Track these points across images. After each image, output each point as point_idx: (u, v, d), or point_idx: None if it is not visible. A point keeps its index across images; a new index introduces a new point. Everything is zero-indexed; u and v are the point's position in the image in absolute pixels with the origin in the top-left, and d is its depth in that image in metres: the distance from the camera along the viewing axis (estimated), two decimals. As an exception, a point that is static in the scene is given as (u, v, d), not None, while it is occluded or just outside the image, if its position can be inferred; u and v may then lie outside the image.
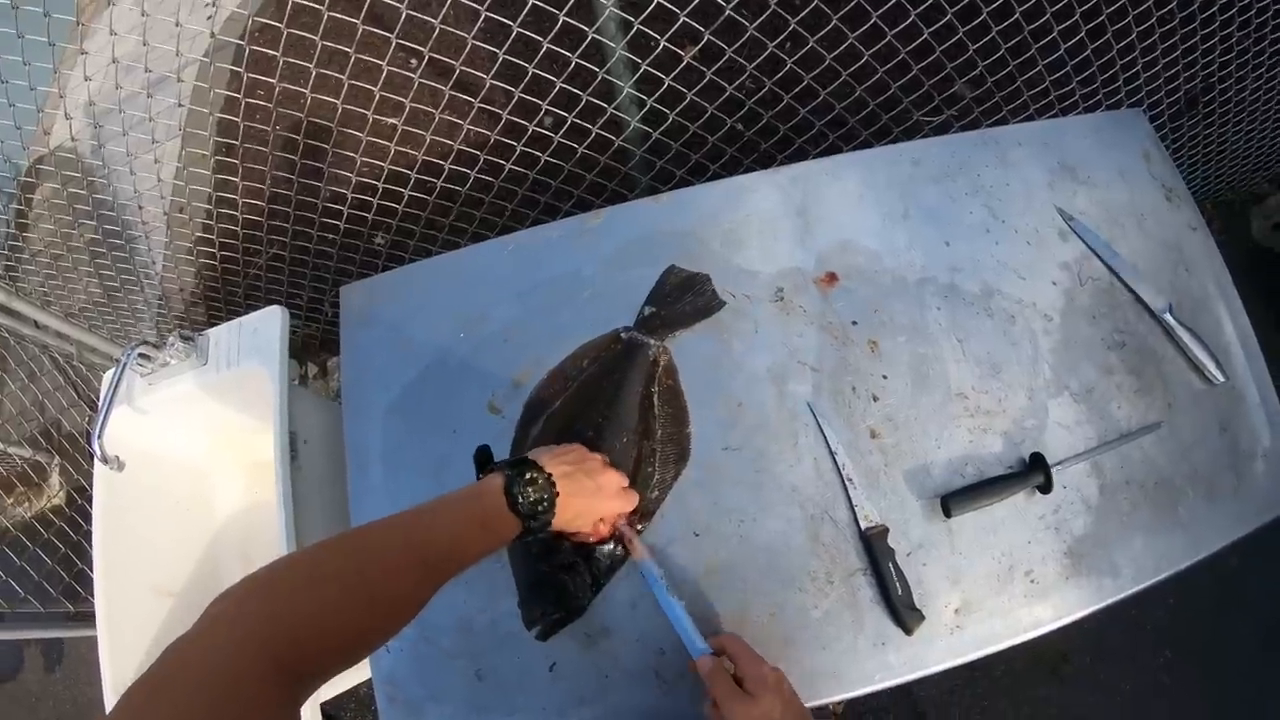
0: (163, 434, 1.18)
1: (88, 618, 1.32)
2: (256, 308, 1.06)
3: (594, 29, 0.97)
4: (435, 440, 0.84)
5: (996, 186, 0.93)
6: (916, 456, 0.79)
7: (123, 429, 1.09)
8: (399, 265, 0.97)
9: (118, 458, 1.06)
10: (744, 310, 0.85)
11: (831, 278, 0.86)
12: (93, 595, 1.38)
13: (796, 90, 1.16)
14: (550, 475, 0.62)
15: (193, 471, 1.25)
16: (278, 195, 1.36)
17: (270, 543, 1.22)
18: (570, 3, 0.94)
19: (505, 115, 1.13)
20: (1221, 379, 0.85)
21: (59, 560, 1.55)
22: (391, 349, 0.90)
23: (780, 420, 0.80)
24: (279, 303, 1.07)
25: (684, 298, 0.85)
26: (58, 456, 1.79)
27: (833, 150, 1.23)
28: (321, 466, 1.08)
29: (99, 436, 1.02)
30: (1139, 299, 0.89)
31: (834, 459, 0.79)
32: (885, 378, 0.82)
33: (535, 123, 1.11)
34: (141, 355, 1.07)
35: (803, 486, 0.78)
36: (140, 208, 1.45)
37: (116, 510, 1.13)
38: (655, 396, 0.80)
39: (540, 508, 0.60)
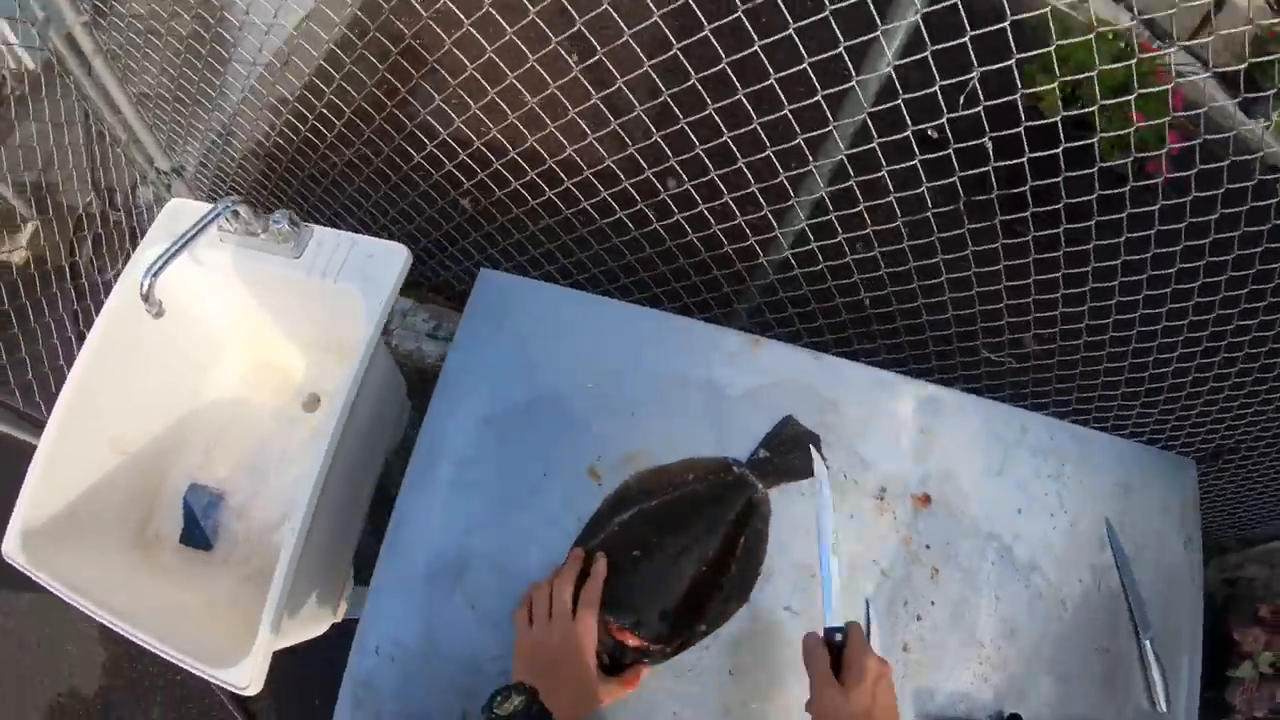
0: (199, 295, 1.09)
1: (32, 423, 1.19)
2: (312, 208, 0.96)
3: (833, 124, 0.96)
4: (521, 474, 0.84)
5: (1073, 480, 1.02)
6: (928, 680, 0.87)
7: (164, 276, 1.00)
8: (476, 232, 0.93)
9: (161, 303, 0.96)
10: (848, 493, 0.90)
11: (927, 499, 0.93)
12: (41, 401, 1.25)
13: (905, 305, 1.22)
14: (523, 684, 0.63)
15: (204, 346, 1.16)
16: (378, 110, 1.26)
17: (239, 448, 1.15)
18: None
19: (632, 149, 1.07)
20: (1164, 709, 0.98)
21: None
22: (512, 358, 0.89)
23: (842, 608, 0.85)
24: (342, 215, 0.99)
25: (794, 452, 0.89)
26: (38, 217, 1.59)
27: (895, 351, 1.31)
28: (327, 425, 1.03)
29: (153, 274, 0.93)
30: (1133, 619, 1.02)
31: (866, 656, 0.85)
32: (933, 603, 0.90)
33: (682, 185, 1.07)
34: (235, 212, 0.98)
35: (830, 670, 0.83)
36: (240, 28, 1.31)
37: (114, 343, 1.03)
38: (743, 537, 0.83)
39: (529, 714, 0.60)
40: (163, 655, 0.89)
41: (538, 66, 0.98)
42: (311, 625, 1.06)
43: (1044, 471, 1.01)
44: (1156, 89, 1.07)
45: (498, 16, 0.97)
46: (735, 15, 0.88)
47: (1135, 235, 1.04)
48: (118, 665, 1.57)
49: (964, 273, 1.10)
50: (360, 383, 0.90)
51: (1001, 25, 0.86)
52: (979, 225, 1.05)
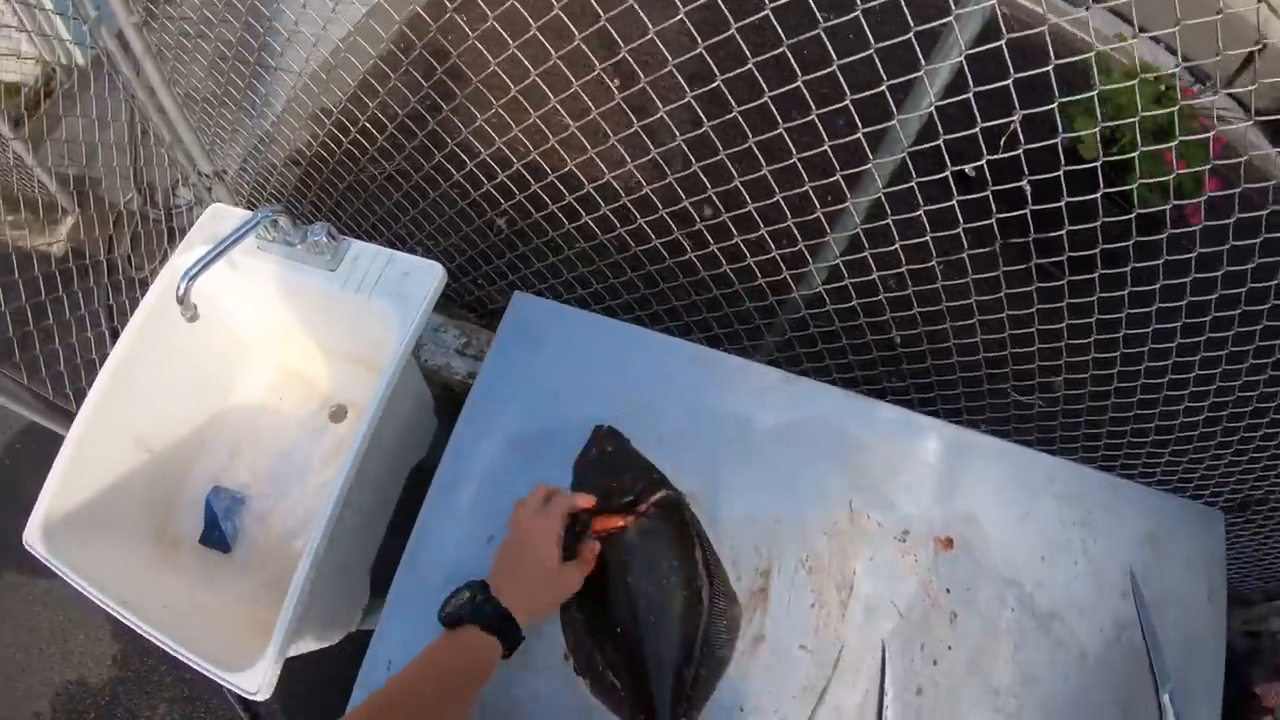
0: (233, 300, 1.11)
1: (60, 413, 1.20)
2: (350, 219, 0.97)
3: (871, 163, 0.96)
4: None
5: (1098, 528, 1.01)
6: (940, 726, 0.86)
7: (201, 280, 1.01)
8: (511, 253, 0.93)
9: (196, 306, 0.97)
10: (869, 533, 0.90)
11: (949, 542, 0.92)
12: (70, 391, 1.26)
13: (936, 345, 1.22)
14: (474, 580, 0.67)
15: (234, 350, 1.18)
16: (419, 124, 1.27)
17: (263, 454, 1.16)
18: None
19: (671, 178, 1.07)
20: (1177, 765, 0.97)
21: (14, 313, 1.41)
22: (542, 382, 0.89)
23: (855, 643, 0.85)
24: (379, 229, 0.98)
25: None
26: (79, 209, 1.62)
27: (923, 390, 1.30)
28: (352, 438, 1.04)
29: (191, 278, 0.94)
30: (1152, 671, 1.00)
31: (881, 698, 0.84)
32: (950, 648, 0.89)
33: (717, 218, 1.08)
34: (274, 221, 1.00)
35: (846, 709, 0.83)
36: (289, 39, 1.33)
37: (148, 342, 1.05)
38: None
39: (473, 601, 0.64)
40: (175, 655, 0.90)
41: (580, 92, 0.99)
42: (326, 635, 1.07)
43: (1069, 519, 1.00)
44: (1197, 136, 1.06)
45: (543, 40, 0.98)
46: (779, 50, 0.88)
47: (1172, 282, 1.03)
48: (127, 659, 1.58)
49: (997, 314, 1.09)
50: (388, 397, 0.91)
51: (1044, 69, 0.86)
52: (1015, 268, 1.05)
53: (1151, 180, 1.27)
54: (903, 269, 1.01)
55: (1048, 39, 0.85)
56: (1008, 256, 1.05)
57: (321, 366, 1.20)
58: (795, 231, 1.00)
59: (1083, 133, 1.21)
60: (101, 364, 1.01)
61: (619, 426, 0.86)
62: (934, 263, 1.02)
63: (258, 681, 0.84)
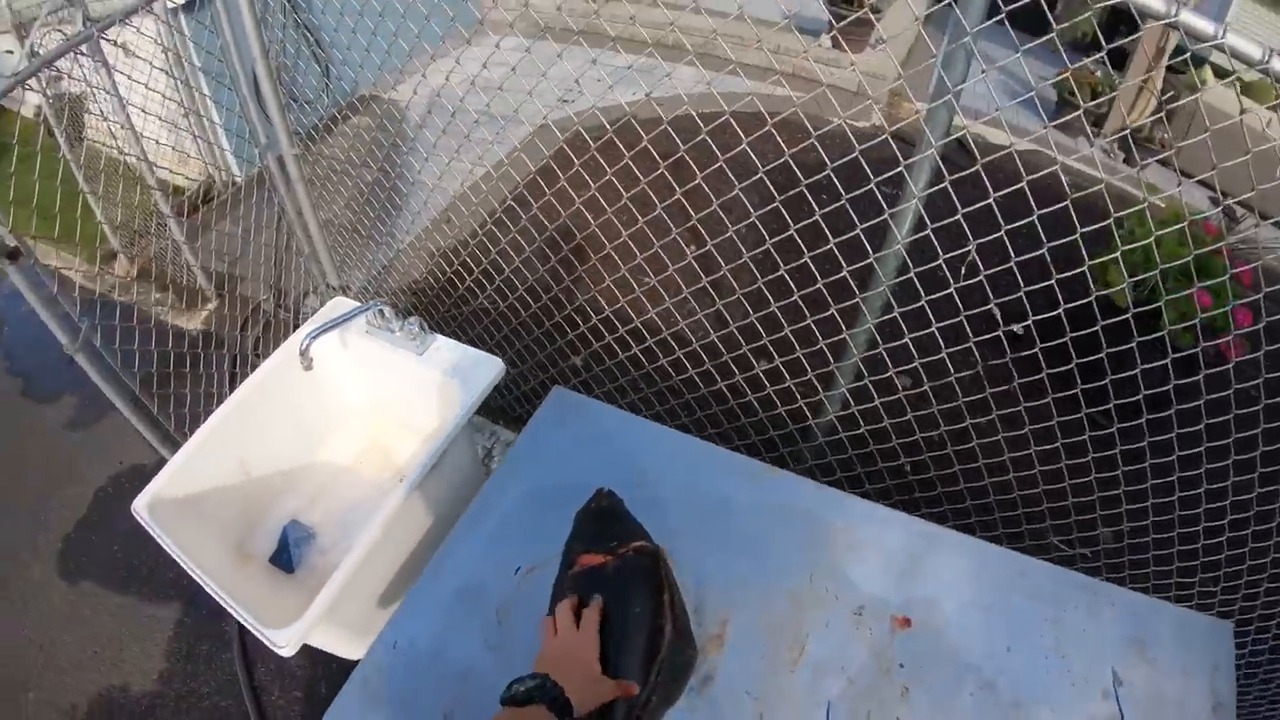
0: (339, 368, 1.39)
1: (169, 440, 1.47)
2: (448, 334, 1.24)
3: (847, 332, 1.21)
4: (548, 541, 1.00)
5: (1074, 627, 1.03)
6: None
7: (318, 343, 1.28)
8: (576, 379, 1.15)
9: (312, 360, 1.26)
10: (826, 604, 1.01)
11: (906, 621, 1.01)
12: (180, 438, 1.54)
13: (964, 468, 1.32)
14: (537, 673, 0.79)
15: (333, 411, 1.45)
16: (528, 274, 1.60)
17: (337, 503, 1.38)
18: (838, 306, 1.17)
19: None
20: None
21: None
22: (568, 453, 1.12)
23: (801, 699, 0.93)
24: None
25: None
26: (215, 300, 2.02)
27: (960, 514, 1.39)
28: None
29: (313, 338, 1.22)
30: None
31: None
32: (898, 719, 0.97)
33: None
34: (381, 311, 1.30)
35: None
36: (412, 184, 1.72)
37: (268, 389, 1.32)
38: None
39: (542, 687, 0.77)
40: (225, 605, 1.06)
41: (661, 252, 1.28)
42: (350, 644, 1.23)
43: (1042, 614, 1.03)
44: (1220, 278, 1.15)
45: (635, 212, 1.30)
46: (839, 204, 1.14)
47: (1214, 421, 1.08)
48: (172, 678, 1.73)
49: (1023, 451, 1.22)
50: (441, 455, 1.15)
51: (1071, 238, 0.99)
52: (1068, 417, 1.16)
53: (1180, 325, 1.33)
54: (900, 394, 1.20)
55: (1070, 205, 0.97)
56: (1061, 409, 1.16)
57: (399, 439, 1.46)
58: (839, 375, 1.21)
59: (1113, 290, 1.30)
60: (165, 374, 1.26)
61: (618, 491, 1.05)
62: (993, 418, 1.17)
63: (288, 639, 1.00)
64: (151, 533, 1.11)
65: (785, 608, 1.01)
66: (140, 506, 1.12)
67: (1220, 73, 3.05)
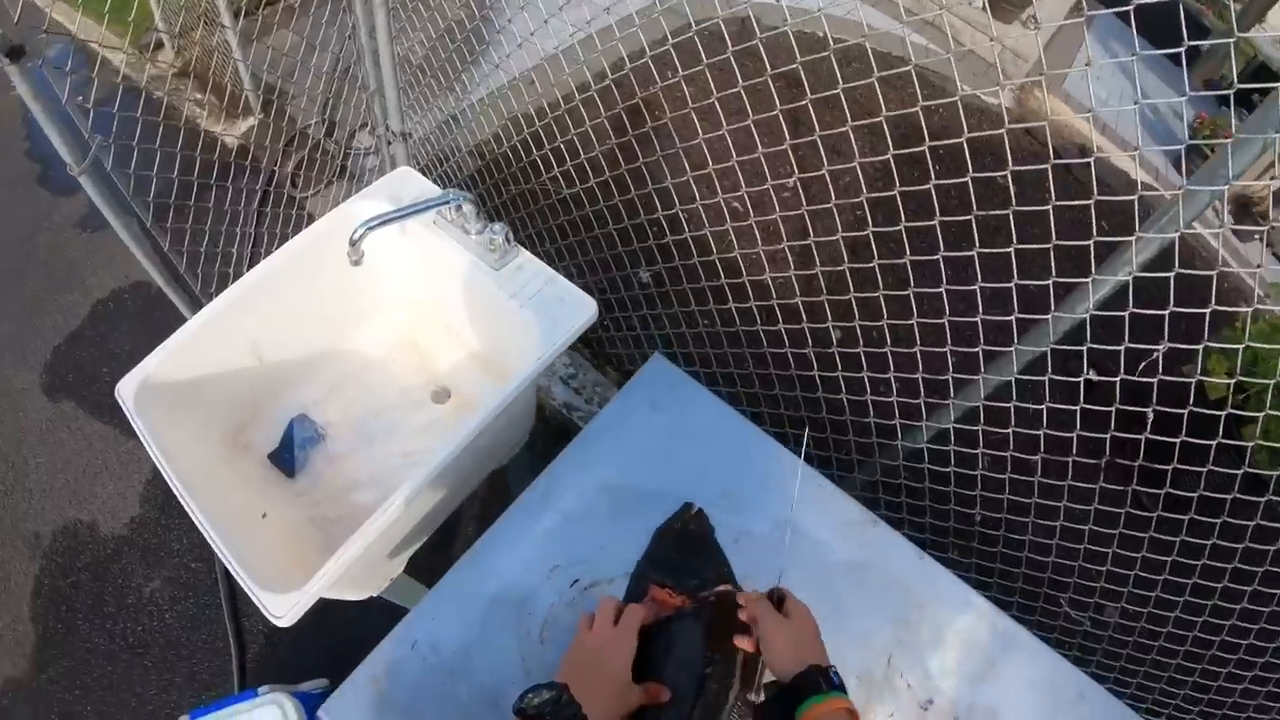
0: (389, 258, 1.17)
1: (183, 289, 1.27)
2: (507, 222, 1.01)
3: None
4: (618, 550, 0.87)
5: None
6: None
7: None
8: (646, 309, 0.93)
9: (364, 254, 1.03)
10: (899, 694, 0.90)
11: None
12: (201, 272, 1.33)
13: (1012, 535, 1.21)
14: (554, 682, 0.69)
15: (370, 301, 1.24)
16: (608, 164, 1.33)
17: (358, 403, 1.20)
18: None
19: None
20: None
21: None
22: (654, 445, 0.93)
23: None
24: (532, 241, 0.99)
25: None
26: (263, 115, 1.73)
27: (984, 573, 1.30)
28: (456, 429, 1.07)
29: (370, 228, 1.00)
30: None
31: None
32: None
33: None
34: (459, 208, 1.06)
35: None
36: (498, 30, 1.41)
37: (301, 261, 1.11)
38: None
39: (556, 702, 0.67)
40: (219, 554, 0.89)
41: (771, 193, 1.05)
42: (353, 589, 1.10)
43: None
44: None
45: (754, 133, 1.04)
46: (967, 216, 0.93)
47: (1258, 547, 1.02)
48: (144, 525, 1.62)
49: (1081, 525, 1.10)
50: (506, 409, 0.96)
51: (1202, 311, 0.89)
52: (1114, 487, 1.06)
53: (1270, 443, 1.26)
54: (1008, 453, 1.03)
55: (1213, 280, 0.88)
56: (1110, 475, 1.06)
57: (442, 346, 1.26)
58: (921, 384, 1.04)
59: (1213, 375, 1.22)
60: (235, 258, 1.07)
61: (707, 511, 0.89)
62: (1038, 457, 1.04)
63: (286, 608, 0.84)
64: (134, 424, 0.92)
65: (857, 687, 0.89)
66: (125, 392, 0.93)
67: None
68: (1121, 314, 0.91)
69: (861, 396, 1.14)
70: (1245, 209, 3.03)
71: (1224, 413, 0.99)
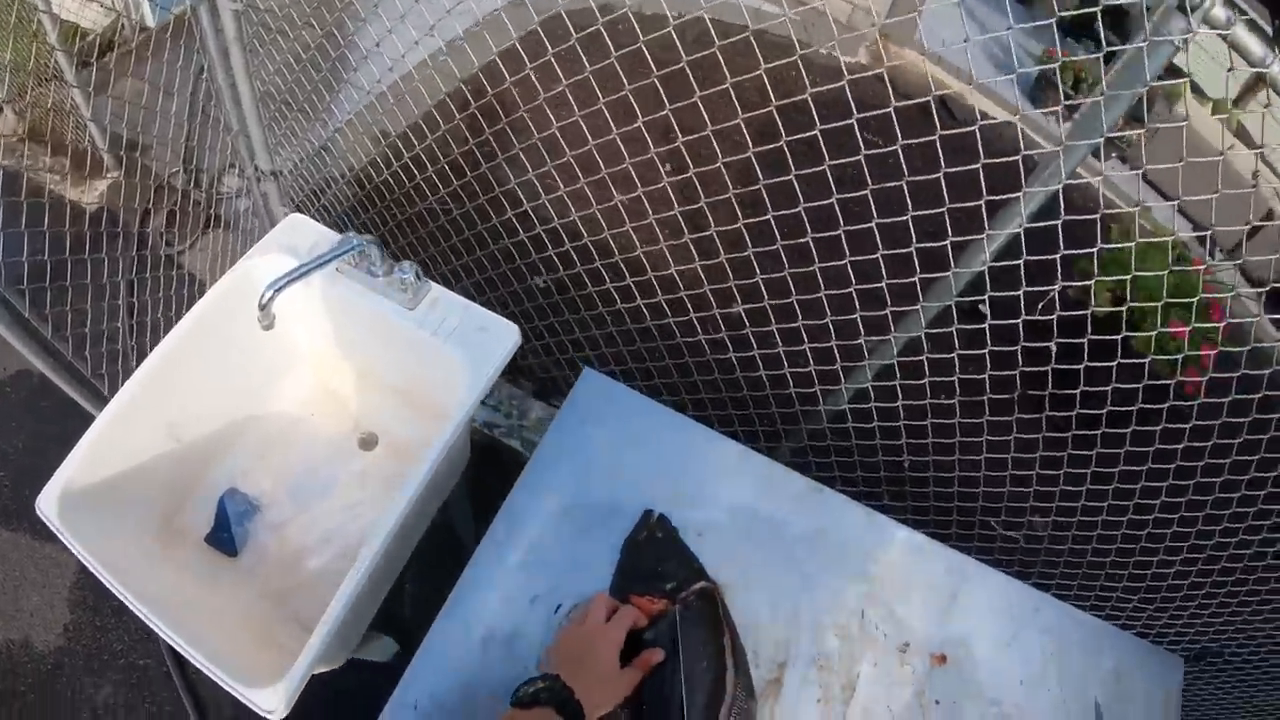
0: (295, 312, 1.12)
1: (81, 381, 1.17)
2: (396, 249, 0.97)
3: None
4: (588, 569, 0.89)
5: (1073, 661, 1.08)
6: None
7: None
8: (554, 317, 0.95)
9: (274, 317, 0.98)
10: (875, 641, 0.97)
11: (943, 658, 1.00)
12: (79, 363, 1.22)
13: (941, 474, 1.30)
14: (546, 673, 0.74)
15: (283, 360, 1.19)
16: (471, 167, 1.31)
17: (289, 466, 1.16)
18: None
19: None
20: None
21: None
22: (601, 459, 0.95)
23: None
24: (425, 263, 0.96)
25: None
26: (120, 171, 1.58)
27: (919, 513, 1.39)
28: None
29: (278, 289, 0.94)
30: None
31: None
32: (934, 756, 0.96)
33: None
34: (364, 251, 1.02)
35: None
36: (365, 56, 1.34)
37: (204, 333, 1.05)
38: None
39: (551, 689, 0.71)
40: (188, 656, 0.86)
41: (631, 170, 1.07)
42: (330, 659, 1.08)
43: (1048, 649, 1.07)
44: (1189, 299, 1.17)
45: (609, 118, 1.04)
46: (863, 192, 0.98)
47: (1165, 447, 1.14)
48: (79, 631, 1.52)
49: (1003, 455, 1.20)
50: (450, 442, 0.94)
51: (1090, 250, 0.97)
52: (1030, 415, 1.15)
53: (1163, 356, 1.39)
54: (926, 402, 1.11)
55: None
56: (1025, 406, 1.16)
57: (361, 391, 1.22)
58: (836, 353, 1.09)
59: (1103, 308, 1.32)
60: (120, 333, 0.99)
61: (666, 513, 0.92)
62: (955, 400, 1.12)
63: (277, 700, 0.82)
64: (63, 538, 0.86)
65: (838, 647, 0.96)
66: (46, 507, 0.87)
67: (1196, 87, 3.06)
68: (1016, 262, 0.98)
69: (780, 370, 1.19)
70: (1111, 143, 3.30)
71: (1119, 336, 1.11)
